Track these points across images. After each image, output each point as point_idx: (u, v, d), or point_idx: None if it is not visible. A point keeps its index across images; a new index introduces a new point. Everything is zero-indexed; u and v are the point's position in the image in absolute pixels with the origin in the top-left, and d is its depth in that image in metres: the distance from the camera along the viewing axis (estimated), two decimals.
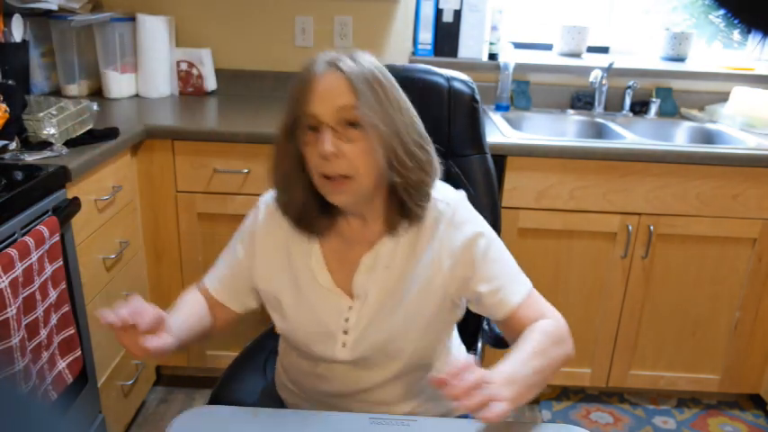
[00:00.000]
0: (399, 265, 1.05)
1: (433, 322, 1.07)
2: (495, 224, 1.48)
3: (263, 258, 1.10)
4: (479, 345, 1.44)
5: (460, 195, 1.10)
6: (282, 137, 1.01)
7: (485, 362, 1.17)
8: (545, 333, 0.99)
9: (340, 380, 1.10)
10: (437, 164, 1.04)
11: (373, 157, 0.96)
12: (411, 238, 1.05)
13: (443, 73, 1.48)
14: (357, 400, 1.11)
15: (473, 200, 1.48)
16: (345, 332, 1.06)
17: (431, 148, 1.04)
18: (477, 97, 1.48)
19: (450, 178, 1.42)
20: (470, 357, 0.85)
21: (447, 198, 1.08)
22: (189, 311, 1.08)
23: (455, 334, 1.21)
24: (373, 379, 1.09)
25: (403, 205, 1.02)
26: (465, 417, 1.17)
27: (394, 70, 1.04)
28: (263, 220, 1.11)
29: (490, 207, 1.47)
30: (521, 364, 0.92)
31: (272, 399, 1.24)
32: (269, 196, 1.12)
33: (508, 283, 1.05)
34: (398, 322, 1.04)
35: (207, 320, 1.11)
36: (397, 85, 1.02)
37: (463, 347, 1.26)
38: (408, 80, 1.42)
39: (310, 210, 1.03)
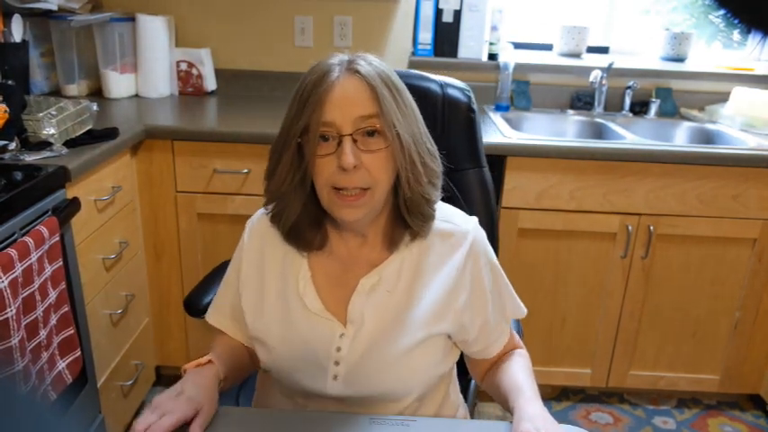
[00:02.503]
0: (402, 291, 0.96)
1: (439, 355, 0.99)
2: (492, 242, 1.44)
3: (247, 283, 1.02)
4: None
5: (475, 222, 1.03)
6: (283, 145, 0.92)
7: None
8: (530, 369, 1.03)
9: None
10: (441, 176, 0.98)
11: (392, 167, 0.90)
12: (416, 262, 0.98)
13: (437, 79, 1.37)
14: None
15: None
16: (337, 363, 0.95)
17: (438, 158, 0.97)
18: (474, 106, 1.36)
19: (443, 195, 1.38)
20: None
21: (464, 225, 1.01)
22: (222, 355, 1.00)
23: None
24: None
25: (406, 222, 0.95)
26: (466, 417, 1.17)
27: None
28: (247, 242, 1.03)
29: (487, 224, 1.38)
30: (540, 406, 0.92)
31: None
32: (255, 216, 1.05)
33: (499, 327, 1.04)
34: (399, 354, 0.94)
35: (240, 353, 1.06)
36: (405, 88, 0.95)
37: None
38: None
39: (302, 222, 0.96)
